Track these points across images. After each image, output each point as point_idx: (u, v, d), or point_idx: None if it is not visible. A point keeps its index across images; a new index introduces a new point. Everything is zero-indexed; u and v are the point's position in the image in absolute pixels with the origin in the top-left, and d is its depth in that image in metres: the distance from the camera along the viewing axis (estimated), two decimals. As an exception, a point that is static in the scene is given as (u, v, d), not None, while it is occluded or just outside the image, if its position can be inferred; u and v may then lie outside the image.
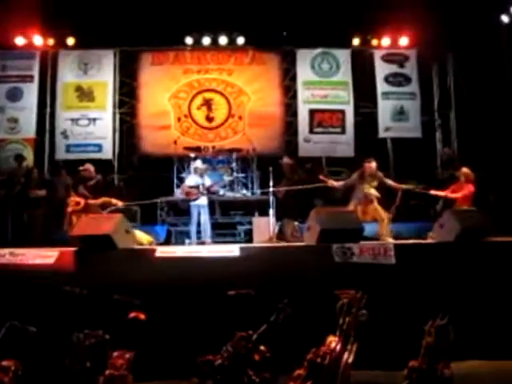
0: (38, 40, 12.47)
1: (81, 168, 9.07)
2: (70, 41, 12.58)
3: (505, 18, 11.84)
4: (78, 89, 12.85)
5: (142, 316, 5.15)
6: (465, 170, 9.31)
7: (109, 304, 5.47)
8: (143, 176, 12.39)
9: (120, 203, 8.51)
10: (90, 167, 9.16)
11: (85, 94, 12.88)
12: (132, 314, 5.20)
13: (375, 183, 8.94)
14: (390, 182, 9.11)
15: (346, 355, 3.63)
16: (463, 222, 6.99)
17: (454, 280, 6.13)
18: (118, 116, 13.13)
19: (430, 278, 6.08)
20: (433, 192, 9.34)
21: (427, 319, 4.14)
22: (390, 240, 8.22)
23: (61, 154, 12.63)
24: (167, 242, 10.55)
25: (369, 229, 8.71)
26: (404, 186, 9.26)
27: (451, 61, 13.50)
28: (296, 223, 9.83)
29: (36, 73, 12.67)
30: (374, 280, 5.77)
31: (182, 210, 10.94)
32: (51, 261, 6.00)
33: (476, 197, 9.17)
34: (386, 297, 5.62)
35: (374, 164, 9.02)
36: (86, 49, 12.83)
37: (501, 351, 5.71)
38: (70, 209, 8.22)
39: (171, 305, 5.74)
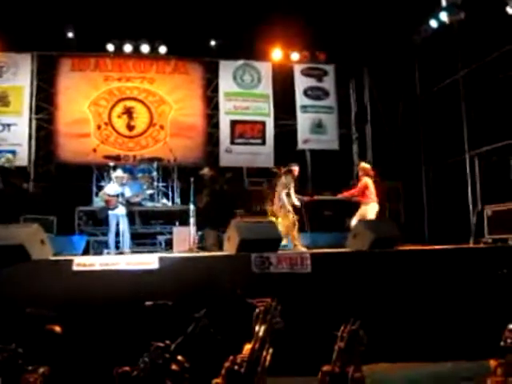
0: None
1: None
2: (-15, 43, 12.07)
3: (417, 39, 12.51)
4: (-8, 93, 12.40)
5: (58, 329, 5.03)
6: (361, 164, 9.69)
7: (22, 317, 5.31)
8: (61, 184, 12.04)
9: None
10: None
11: (-1, 99, 12.43)
12: (47, 327, 5.07)
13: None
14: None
15: (261, 362, 3.72)
16: (375, 231, 7.32)
17: (366, 287, 6.41)
18: (34, 122, 12.72)
19: (344, 286, 6.33)
20: (339, 196, 9.72)
21: (341, 325, 4.29)
22: (303, 248, 8.47)
23: (-27, 161, 12.05)
24: (85, 252, 10.33)
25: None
26: (306, 199, 9.57)
27: (367, 76, 14.09)
28: (217, 233, 9.91)
29: None
30: (290, 288, 5.95)
31: (100, 220, 10.73)
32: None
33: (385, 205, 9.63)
34: (302, 304, 5.81)
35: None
36: (2, 51, 12.35)
37: (409, 353, 6.01)
38: None
39: (88, 317, 5.65)
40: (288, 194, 9.17)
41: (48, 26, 11.68)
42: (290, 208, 9.12)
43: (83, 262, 6.27)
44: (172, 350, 4.01)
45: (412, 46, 12.65)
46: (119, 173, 10.23)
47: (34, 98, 12.74)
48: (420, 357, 5.98)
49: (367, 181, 9.25)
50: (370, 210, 9.12)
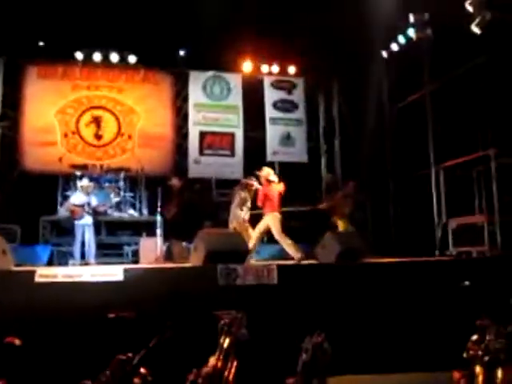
0: None
1: None
2: (-51, 47, 11.77)
3: (384, 54, 12.71)
4: (-45, 98, 12.11)
5: (18, 341, 4.88)
6: (262, 170, 9.08)
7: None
8: (25, 193, 11.77)
9: None
10: None
11: (-38, 105, 12.15)
12: (7, 339, 4.92)
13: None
14: None
15: (226, 374, 3.68)
16: (343, 243, 7.37)
17: (333, 299, 6.43)
18: (-1, 129, 12.45)
19: (311, 298, 6.33)
20: None
21: (306, 337, 4.28)
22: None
23: None
24: (50, 262, 10.14)
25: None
26: None
27: (336, 90, 14.23)
28: (184, 244, 9.83)
29: None
30: (256, 300, 5.92)
31: (65, 230, 10.55)
32: None
33: (355, 218, 9.67)
34: (268, 316, 5.78)
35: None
36: (-33, 56, 12.12)
37: (375, 365, 6.04)
38: None
39: (50, 330, 5.52)
40: (242, 208, 8.99)
41: (15, 30, 11.47)
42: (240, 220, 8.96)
43: (46, 274, 6.13)
44: (135, 362, 3.94)
45: (381, 60, 12.84)
46: (85, 182, 10.11)
47: (-1, 105, 12.48)
48: (385, 369, 6.00)
49: (265, 189, 8.86)
50: (272, 220, 8.66)
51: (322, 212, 10.36)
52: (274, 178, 9.02)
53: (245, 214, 8.96)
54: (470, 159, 10.25)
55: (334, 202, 10.06)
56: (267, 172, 9.05)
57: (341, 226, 9.79)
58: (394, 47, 12.34)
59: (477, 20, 9.40)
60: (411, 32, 11.45)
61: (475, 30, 9.48)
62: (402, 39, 11.97)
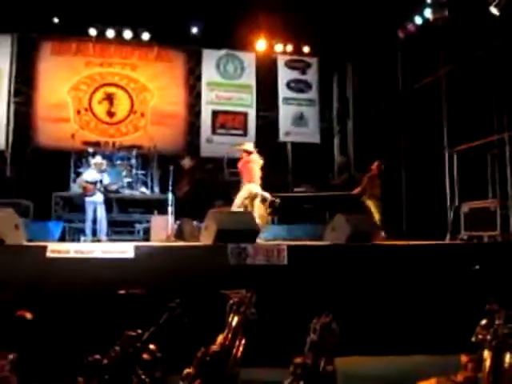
0: None
1: None
2: (-37, 23, 11.77)
3: (401, 34, 12.53)
4: (-31, 74, 12.14)
5: (29, 315, 4.95)
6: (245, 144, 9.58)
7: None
8: (38, 169, 11.87)
9: None
10: None
11: (-24, 81, 12.18)
12: (18, 313, 4.99)
13: None
14: None
15: (233, 352, 3.71)
16: (354, 225, 7.34)
17: (342, 280, 6.43)
18: (12, 105, 12.48)
19: (320, 278, 6.33)
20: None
21: (314, 317, 4.29)
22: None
23: None
24: (62, 238, 10.23)
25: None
26: None
27: (351, 71, 14.09)
28: (195, 222, 9.86)
29: None
30: (266, 280, 5.93)
31: (77, 206, 10.63)
32: None
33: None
34: (277, 296, 5.80)
35: None
36: (-19, 32, 12.10)
37: (383, 347, 6.05)
38: None
39: (60, 305, 5.58)
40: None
41: (29, 6, 11.45)
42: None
43: (58, 249, 6.17)
44: (144, 339, 3.98)
45: (396, 41, 12.68)
46: (98, 159, 10.11)
47: (12, 81, 12.49)
48: (393, 351, 6.02)
49: (243, 159, 9.26)
50: (242, 191, 9.02)
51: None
52: (251, 148, 9.32)
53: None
54: (484, 143, 10.14)
55: (364, 186, 10.28)
56: (248, 144, 9.48)
57: (372, 207, 9.97)
58: (411, 28, 12.16)
59: (496, 1, 9.21)
60: (428, 13, 11.28)
61: (494, 11, 9.29)
62: (418, 20, 11.80)
